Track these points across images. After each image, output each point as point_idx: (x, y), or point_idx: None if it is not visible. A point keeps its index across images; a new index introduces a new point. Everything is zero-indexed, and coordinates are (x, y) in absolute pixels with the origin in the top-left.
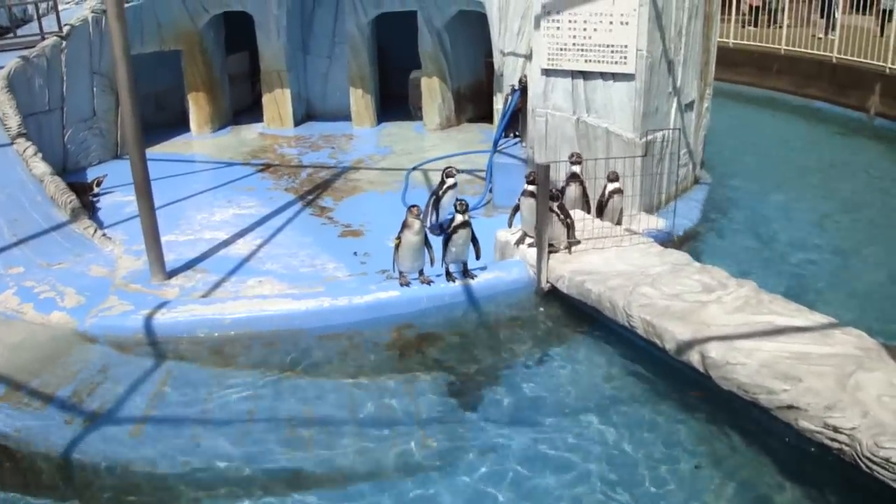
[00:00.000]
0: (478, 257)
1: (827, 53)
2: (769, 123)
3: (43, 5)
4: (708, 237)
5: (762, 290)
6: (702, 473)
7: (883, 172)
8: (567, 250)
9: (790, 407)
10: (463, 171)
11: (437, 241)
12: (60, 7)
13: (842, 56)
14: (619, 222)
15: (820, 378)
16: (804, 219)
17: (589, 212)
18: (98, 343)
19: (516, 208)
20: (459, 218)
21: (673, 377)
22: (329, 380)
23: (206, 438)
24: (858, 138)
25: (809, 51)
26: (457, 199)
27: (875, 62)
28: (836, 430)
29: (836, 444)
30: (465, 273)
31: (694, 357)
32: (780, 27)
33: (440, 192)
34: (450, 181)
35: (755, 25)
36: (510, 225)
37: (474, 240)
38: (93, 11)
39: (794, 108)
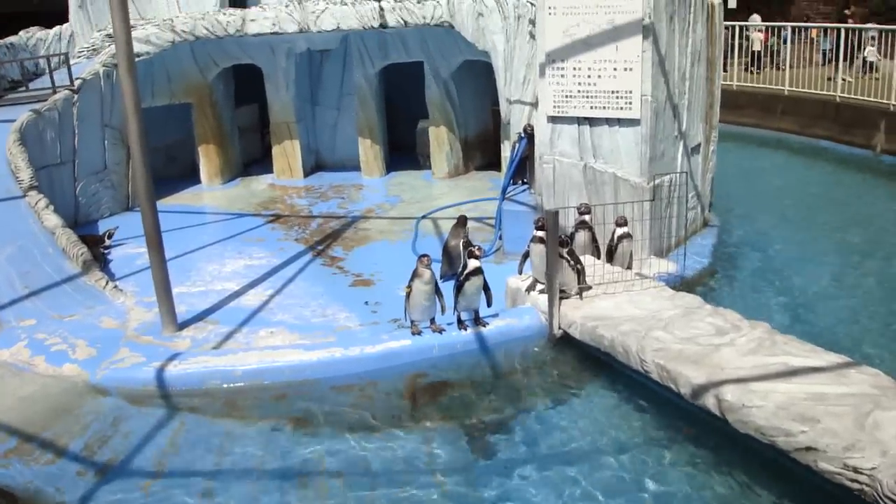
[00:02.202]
0: (489, 304)
1: (830, 93)
2: (776, 164)
3: (55, 59)
4: (719, 279)
5: (776, 332)
6: None
7: (892, 209)
8: (578, 296)
9: (809, 448)
10: (473, 220)
11: (447, 290)
12: (72, 61)
13: (845, 95)
14: (629, 267)
15: (838, 418)
16: (815, 258)
17: (599, 257)
18: (110, 395)
19: (526, 255)
20: (473, 264)
21: (689, 421)
22: (342, 430)
23: (217, 492)
24: (866, 176)
25: (813, 91)
26: (471, 245)
27: (878, 100)
28: (856, 470)
29: (856, 485)
30: (477, 321)
31: (709, 401)
32: (783, 69)
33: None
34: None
35: (758, 70)
36: (520, 272)
37: (486, 287)
38: (104, 65)
39: (800, 148)
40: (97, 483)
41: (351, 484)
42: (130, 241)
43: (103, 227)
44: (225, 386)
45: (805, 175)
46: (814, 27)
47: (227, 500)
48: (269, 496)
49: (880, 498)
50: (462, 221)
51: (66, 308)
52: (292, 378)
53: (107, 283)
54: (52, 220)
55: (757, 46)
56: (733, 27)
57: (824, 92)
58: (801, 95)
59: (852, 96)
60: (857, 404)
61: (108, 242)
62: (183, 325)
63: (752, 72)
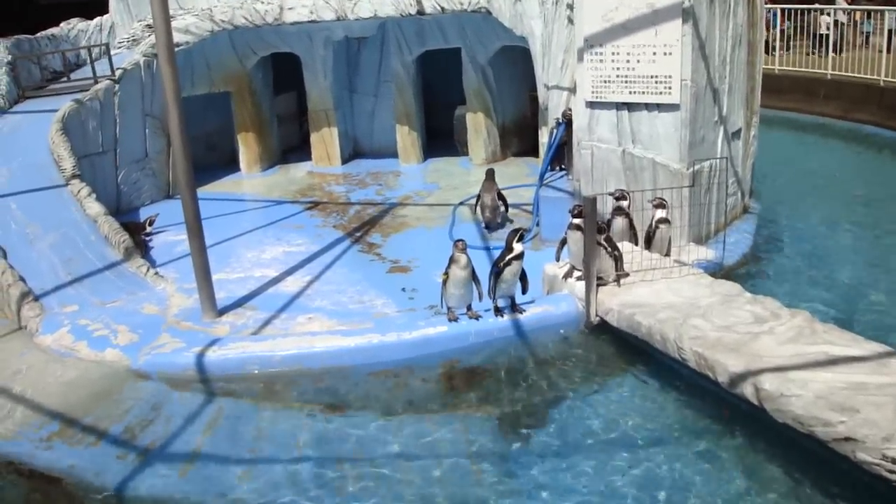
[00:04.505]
0: (524, 292)
1: (874, 77)
2: (818, 149)
3: (96, 50)
4: (759, 267)
5: (816, 320)
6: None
7: None
8: (616, 283)
9: (847, 439)
10: (510, 206)
11: (484, 276)
12: (112, 51)
13: (890, 79)
14: (667, 254)
15: (878, 408)
16: (857, 246)
17: (637, 244)
18: (150, 380)
19: (563, 242)
20: (518, 248)
21: (726, 411)
22: (378, 416)
23: (255, 475)
24: None
25: (856, 75)
26: (504, 198)
27: None
28: (894, 461)
29: (895, 476)
30: (514, 307)
31: (748, 389)
32: (826, 55)
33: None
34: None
35: (825, 53)
36: (558, 259)
37: (522, 274)
38: (144, 55)
39: (843, 134)
40: (137, 466)
41: (387, 469)
42: (171, 228)
43: (144, 214)
44: (263, 371)
45: (848, 161)
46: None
47: (265, 483)
48: (306, 480)
49: None
50: (490, 175)
51: (108, 294)
52: (330, 364)
53: (148, 269)
54: (95, 207)
55: (823, 30)
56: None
57: (868, 76)
58: (844, 79)
59: None
60: None
61: (149, 230)
62: (222, 311)
63: (818, 55)
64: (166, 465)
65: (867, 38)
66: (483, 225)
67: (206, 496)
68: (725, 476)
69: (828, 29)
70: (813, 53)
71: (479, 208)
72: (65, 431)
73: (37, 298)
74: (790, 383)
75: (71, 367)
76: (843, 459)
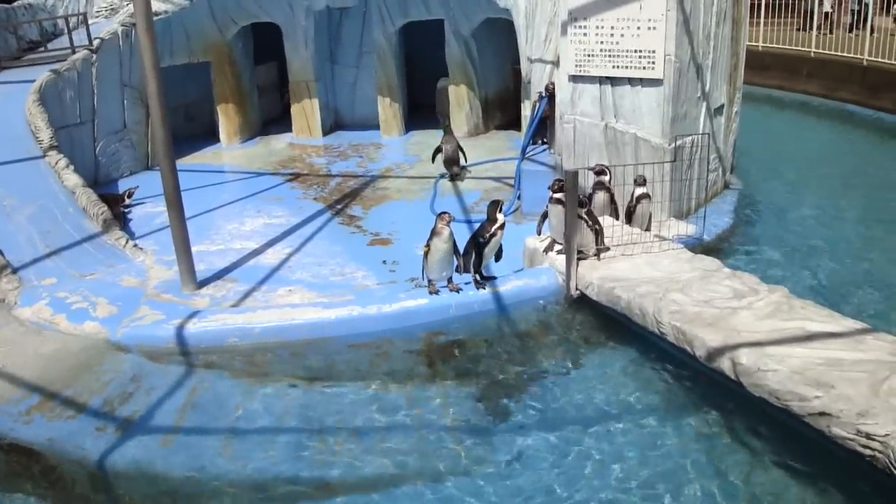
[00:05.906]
0: (497, 260)
1: (857, 56)
2: (800, 127)
3: (73, 19)
4: (739, 242)
5: (793, 296)
6: (733, 483)
7: None
8: (596, 257)
9: (822, 414)
10: (491, 179)
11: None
12: (90, 21)
13: (873, 58)
14: (648, 228)
15: (853, 384)
16: (837, 224)
17: (618, 218)
18: (130, 352)
19: (544, 215)
20: (501, 218)
21: (704, 383)
22: (359, 388)
23: (236, 447)
24: (893, 141)
25: (840, 53)
26: (492, 200)
27: None
28: (868, 436)
29: (868, 451)
30: (484, 278)
31: (725, 364)
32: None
33: None
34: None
35: (829, 31)
36: (539, 232)
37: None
38: (122, 24)
39: (825, 112)
40: (117, 438)
41: (366, 440)
42: (150, 200)
43: (123, 186)
44: (244, 343)
45: (830, 139)
46: None
47: (245, 454)
48: (285, 451)
49: (892, 464)
50: (448, 129)
51: (86, 267)
52: (310, 336)
53: (127, 241)
54: (73, 179)
55: (827, 7)
56: None
57: (851, 54)
58: (827, 57)
59: (880, 59)
60: (873, 371)
61: (128, 201)
62: (202, 284)
63: (823, 34)
64: (146, 438)
65: (853, 15)
66: (448, 177)
67: (187, 468)
68: (702, 447)
69: (831, 7)
70: (821, 32)
71: (443, 160)
72: (44, 404)
73: (14, 271)
74: (767, 358)
75: (50, 339)
76: (817, 433)
